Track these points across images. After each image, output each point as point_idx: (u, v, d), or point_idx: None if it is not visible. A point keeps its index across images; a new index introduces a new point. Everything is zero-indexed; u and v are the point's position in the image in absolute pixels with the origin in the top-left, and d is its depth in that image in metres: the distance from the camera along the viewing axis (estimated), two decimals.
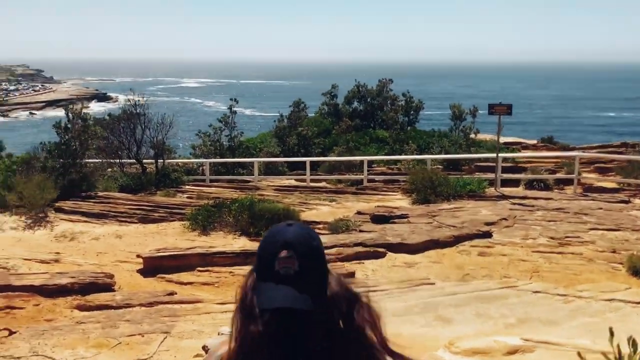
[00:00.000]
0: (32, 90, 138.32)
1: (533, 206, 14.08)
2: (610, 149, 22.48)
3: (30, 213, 13.56)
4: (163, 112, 19.18)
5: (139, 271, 10.38)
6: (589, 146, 24.38)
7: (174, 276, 9.97)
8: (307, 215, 13.62)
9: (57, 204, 14.22)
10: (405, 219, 12.63)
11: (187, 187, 17.74)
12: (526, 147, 25.17)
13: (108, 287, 9.19)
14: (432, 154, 21.03)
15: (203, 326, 7.51)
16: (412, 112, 27.79)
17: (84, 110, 16.63)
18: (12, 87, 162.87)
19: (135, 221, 13.56)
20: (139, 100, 18.62)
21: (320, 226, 12.53)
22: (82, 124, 15.47)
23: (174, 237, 12.36)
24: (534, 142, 27.09)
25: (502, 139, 24.94)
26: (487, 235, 11.79)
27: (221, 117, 23.00)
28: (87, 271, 9.59)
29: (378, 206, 14.12)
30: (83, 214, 13.84)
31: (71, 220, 13.55)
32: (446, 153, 20.91)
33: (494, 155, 16.50)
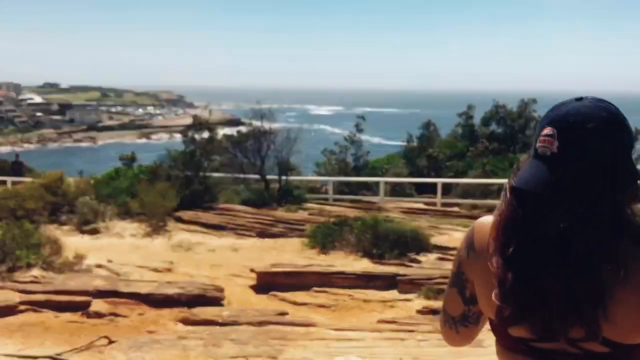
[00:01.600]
0: (174, 114, 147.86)
1: None
2: None
3: (151, 221, 13.35)
4: (288, 128, 18.65)
5: (252, 287, 9.53)
6: None
7: (288, 295, 8.98)
8: (437, 240, 12.14)
9: (177, 213, 13.96)
10: None
11: (308, 204, 16.95)
12: None
13: (216, 301, 8.38)
14: None
15: (315, 354, 6.38)
16: None
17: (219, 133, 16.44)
18: (156, 112, 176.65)
19: (253, 235, 12.88)
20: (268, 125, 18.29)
21: (453, 252, 11.02)
22: (208, 135, 15.21)
23: (291, 254, 11.47)
24: None
25: None
26: None
27: (347, 135, 22.17)
28: (197, 282, 8.87)
29: None
30: (202, 224, 13.43)
31: (189, 231, 13.17)
32: None
33: None
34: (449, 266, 9.82)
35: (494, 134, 26.92)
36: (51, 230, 12.97)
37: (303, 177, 21.13)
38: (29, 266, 9.78)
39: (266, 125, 18.32)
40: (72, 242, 12.28)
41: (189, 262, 10.97)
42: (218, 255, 11.42)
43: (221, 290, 8.67)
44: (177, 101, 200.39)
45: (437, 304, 7.99)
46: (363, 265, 10.46)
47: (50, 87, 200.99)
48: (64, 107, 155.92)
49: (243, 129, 20.22)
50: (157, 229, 13.16)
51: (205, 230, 13.18)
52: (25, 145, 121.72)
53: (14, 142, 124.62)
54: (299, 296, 8.89)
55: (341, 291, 8.82)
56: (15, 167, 21.40)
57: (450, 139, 26.91)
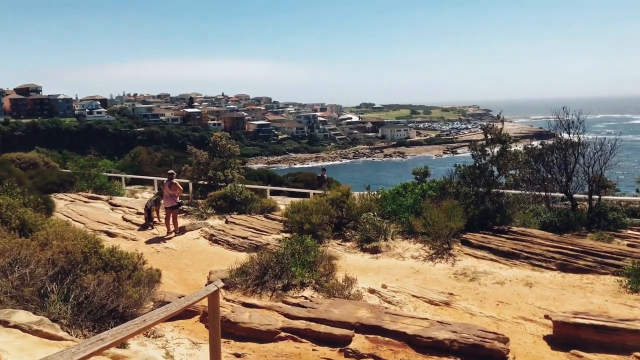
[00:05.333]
0: (479, 128, 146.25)
1: None
2: None
3: (434, 242, 12.11)
4: (602, 139, 15.50)
5: (547, 338, 7.51)
6: None
7: (597, 357, 6.76)
8: None
9: (464, 236, 12.46)
10: None
11: (628, 231, 13.71)
12: None
13: (498, 355, 6.66)
14: None
15: None
16: None
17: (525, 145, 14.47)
18: (462, 126, 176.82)
19: (553, 267, 10.63)
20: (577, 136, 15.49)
21: None
22: (500, 147, 13.39)
23: (603, 297, 8.99)
24: None
25: None
26: None
27: None
28: (475, 327, 7.26)
29: None
30: (490, 250, 11.66)
31: (476, 256, 11.54)
32: None
33: None
34: None
35: None
36: (333, 246, 12.75)
37: (621, 198, 17.56)
38: (303, 285, 9.44)
39: (575, 136, 15.56)
40: (352, 260, 11.80)
41: (471, 295, 9.39)
42: (507, 290, 9.57)
43: (505, 340, 6.91)
44: (484, 115, 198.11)
45: None
46: None
47: (366, 107, 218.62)
48: (376, 125, 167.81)
49: (549, 141, 17.71)
50: (440, 251, 11.86)
51: (494, 257, 11.39)
52: (344, 160, 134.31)
53: (334, 156, 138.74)
54: None
55: None
56: (319, 180, 22.56)
57: None
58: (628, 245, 12.02)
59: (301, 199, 18.83)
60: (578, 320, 7.27)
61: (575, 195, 15.46)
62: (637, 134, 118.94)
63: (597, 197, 15.10)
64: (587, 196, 15.14)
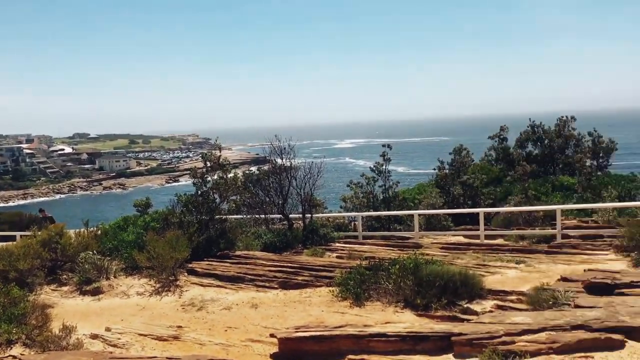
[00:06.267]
0: (200, 156, 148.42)
1: None
2: None
3: (160, 276, 11.81)
4: (310, 162, 17.11)
5: (273, 356, 7.85)
6: None
7: None
8: (490, 282, 10.35)
9: (190, 265, 12.42)
10: (639, 289, 8.88)
11: (337, 244, 15.29)
12: None
13: None
14: None
15: None
16: (601, 154, 23.19)
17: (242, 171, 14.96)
18: (183, 155, 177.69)
19: (275, 286, 11.23)
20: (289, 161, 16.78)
21: (513, 298, 9.24)
22: (220, 174, 13.75)
23: (319, 308, 9.78)
24: None
25: None
26: None
27: (373, 165, 20.53)
28: (205, 356, 7.21)
29: (589, 270, 10.45)
30: (216, 276, 11.83)
31: (202, 285, 11.58)
32: None
33: None
34: (514, 318, 8.03)
35: (531, 156, 25.05)
36: (48, 292, 11.53)
37: (329, 214, 19.53)
38: (10, 343, 8.28)
39: (287, 161, 16.87)
40: (70, 305, 10.81)
41: (200, 324, 9.35)
42: (234, 315, 9.79)
43: None
44: (204, 143, 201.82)
45: None
46: (406, 319, 8.74)
47: (80, 137, 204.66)
48: (93, 156, 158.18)
49: (265, 167, 18.87)
50: (166, 284, 11.61)
51: (220, 283, 11.58)
52: (58, 195, 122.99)
53: (46, 192, 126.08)
54: None
55: (383, 359, 7.09)
56: (39, 220, 20.20)
57: (484, 163, 25.11)
58: (337, 257, 13.38)
59: (3, 243, 16.63)
60: (299, 334, 7.76)
61: (291, 215, 16.70)
62: (339, 156, 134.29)
63: (309, 215, 16.54)
64: (301, 215, 16.47)
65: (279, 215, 17.25)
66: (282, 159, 16.59)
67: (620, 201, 17.79)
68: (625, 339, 7.12)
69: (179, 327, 9.17)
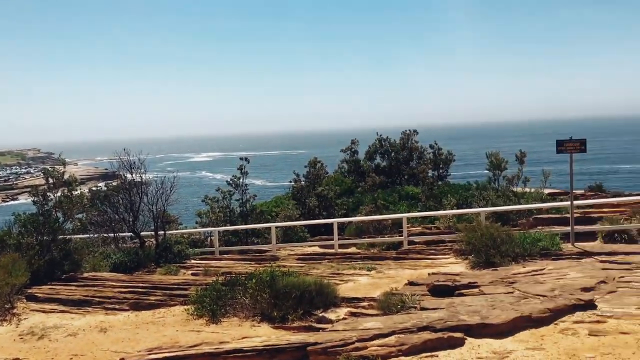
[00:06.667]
0: (42, 172, 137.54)
1: (629, 263, 11.12)
2: None
3: None
4: (163, 177, 16.56)
5: None
6: None
7: None
8: (344, 289, 10.69)
9: (30, 290, 11.43)
10: (476, 289, 9.67)
11: (192, 261, 14.94)
12: (575, 198, 22.16)
13: None
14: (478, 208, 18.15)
15: None
16: (441, 165, 25.08)
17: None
18: (22, 171, 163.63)
19: (126, 308, 10.69)
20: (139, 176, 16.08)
21: (365, 304, 9.61)
22: (65, 191, 12.85)
23: (174, 328, 9.46)
24: (582, 191, 24.14)
25: (546, 190, 22.08)
26: (591, 306, 8.79)
27: (230, 179, 20.40)
28: None
29: (433, 274, 11.18)
30: (60, 301, 11.00)
31: (44, 311, 10.69)
32: (493, 207, 18.02)
33: (565, 204, 13.66)
34: (366, 324, 8.35)
35: (379, 168, 26.42)
36: None
37: (184, 230, 19.04)
38: None
39: (137, 176, 16.18)
40: None
41: (41, 355, 8.61)
42: (81, 341, 9.14)
43: None
44: (46, 158, 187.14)
45: None
46: (263, 333, 8.72)
47: None
48: None
49: (114, 182, 17.92)
50: (2, 313, 10.56)
51: (65, 308, 10.77)
52: None
53: None
54: None
55: None
56: None
57: (338, 175, 26.04)
58: (192, 274, 13.06)
59: None
60: (152, 357, 7.43)
61: (143, 233, 16.02)
62: (195, 170, 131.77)
63: (162, 232, 15.98)
64: (154, 233, 15.87)
65: (129, 234, 16.48)
66: (132, 174, 15.89)
67: (458, 208, 19.32)
68: (465, 337, 7.68)
69: (17, 359, 8.37)
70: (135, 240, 16.45)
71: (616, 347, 7.48)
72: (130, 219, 15.99)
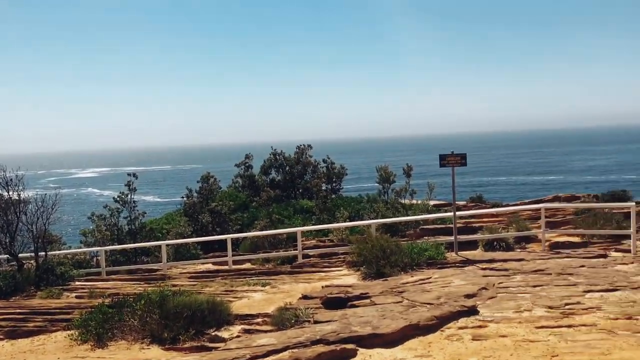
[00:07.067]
0: None
1: (507, 270, 11.91)
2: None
3: None
4: (44, 194, 15.57)
5: None
6: (523, 202, 23.04)
7: None
8: (237, 306, 10.56)
9: None
10: (367, 299, 9.92)
11: (77, 283, 14.15)
12: (458, 209, 23.48)
13: None
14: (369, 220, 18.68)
15: None
16: (334, 178, 25.59)
17: None
18: None
19: (1, 337, 9.90)
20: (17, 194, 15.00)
21: (259, 320, 9.55)
22: None
23: (55, 356, 8.88)
24: (464, 202, 25.61)
25: (431, 202, 23.18)
26: (474, 311, 9.31)
27: (117, 196, 19.58)
28: None
29: (326, 286, 11.34)
30: None
31: None
32: (383, 219, 18.63)
33: (449, 214, 14.38)
34: (260, 340, 8.28)
35: (274, 182, 26.50)
36: None
37: (68, 251, 18.01)
38: None
39: (15, 194, 15.11)
40: None
41: None
42: None
43: None
44: None
45: None
46: (153, 355, 8.41)
47: None
48: None
49: None
50: None
51: None
52: None
53: None
54: None
55: None
56: None
57: (232, 190, 25.81)
58: (76, 297, 12.36)
59: None
60: None
61: (21, 255, 14.99)
62: (80, 186, 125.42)
63: (43, 253, 15.02)
64: (33, 254, 14.87)
65: (5, 256, 15.33)
66: (8, 192, 14.82)
67: (350, 220, 19.77)
68: (357, 347, 7.84)
69: None
70: (12, 263, 15.32)
71: (497, 349, 7.94)
72: (7, 240, 14.88)
